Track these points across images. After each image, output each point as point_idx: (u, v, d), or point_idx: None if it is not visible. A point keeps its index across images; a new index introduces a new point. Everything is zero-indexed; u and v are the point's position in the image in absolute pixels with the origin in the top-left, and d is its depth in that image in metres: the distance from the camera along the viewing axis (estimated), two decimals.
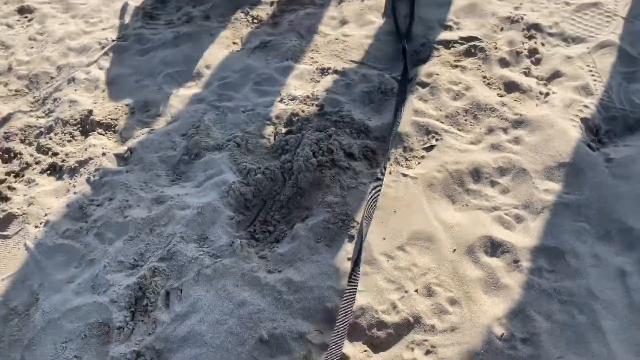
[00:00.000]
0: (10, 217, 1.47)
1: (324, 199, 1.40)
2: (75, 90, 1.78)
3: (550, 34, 1.68)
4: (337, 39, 1.82)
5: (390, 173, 1.44)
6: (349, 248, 1.29)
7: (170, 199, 1.44)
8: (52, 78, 1.85)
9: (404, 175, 1.42)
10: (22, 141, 1.68)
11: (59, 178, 1.56)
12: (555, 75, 1.58)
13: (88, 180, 1.53)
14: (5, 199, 1.52)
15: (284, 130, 1.59)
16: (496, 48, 1.67)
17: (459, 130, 1.51)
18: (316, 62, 1.77)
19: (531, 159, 1.38)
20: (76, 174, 1.55)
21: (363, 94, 1.65)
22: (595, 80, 1.53)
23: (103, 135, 1.65)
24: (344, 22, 1.88)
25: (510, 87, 1.57)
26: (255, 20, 1.93)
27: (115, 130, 1.66)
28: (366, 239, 1.29)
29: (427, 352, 1.09)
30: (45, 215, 1.47)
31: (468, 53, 1.69)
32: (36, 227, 1.44)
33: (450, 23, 1.79)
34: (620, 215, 1.23)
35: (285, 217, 1.43)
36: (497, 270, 1.20)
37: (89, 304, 1.25)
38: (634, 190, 1.27)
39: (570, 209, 1.27)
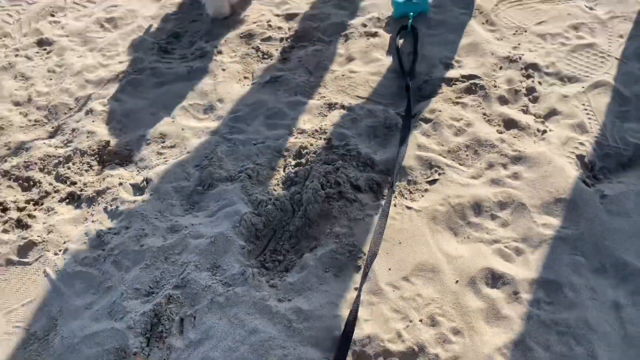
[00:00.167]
0: (30, 245, 1.53)
1: (331, 229, 1.47)
2: (93, 121, 1.86)
3: (547, 74, 1.77)
4: (344, 75, 1.91)
5: (395, 205, 1.50)
6: (356, 278, 1.35)
7: (185, 228, 1.50)
8: (70, 109, 1.93)
9: (409, 207, 1.49)
10: (41, 170, 1.75)
11: (78, 207, 1.63)
12: (552, 113, 1.66)
13: (105, 209, 1.60)
14: (26, 226, 1.58)
15: (293, 162, 1.66)
16: (496, 86, 1.76)
17: (461, 165, 1.58)
18: (324, 97, 1.85)
19: (530, 194, 1.45)
20: (94, 203, 1.62)
21: (369, 129, 1.73)
22: (590, 118, 1.61)
23: (120, 165, 1.72)
24: (350, 59, 1.97)
25: (509, 124, 1.65)
26: (265, 56, 2.02)
27: (132, 160, 1.73)
28: (372, 268, 1.35)
29: None
30: (64, 242, 1.53)
31: (469, 90, 1.77)
32: (55, 254, 1.50)
33: (451, 61, 1.87)
34: (614, 250, 1.30)
35: (295, 247, 1.49)
36: (498, 301, 1.25)
37: (107, 329, 1.30)
38: (627, 226, 1.34)
39: (567, 242, 1.33)
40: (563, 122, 1.62)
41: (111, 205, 1.60)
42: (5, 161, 1.78)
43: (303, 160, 1.65)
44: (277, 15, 2.17)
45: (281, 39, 2.08)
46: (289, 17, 2.16)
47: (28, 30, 2.28)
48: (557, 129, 1.60)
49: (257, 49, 2.04)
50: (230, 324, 1.27)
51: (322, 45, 2.04)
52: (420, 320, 1.25)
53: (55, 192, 1.68)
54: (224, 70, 1.98)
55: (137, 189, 1.65)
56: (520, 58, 1.82)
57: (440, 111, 1.72)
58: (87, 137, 1.81)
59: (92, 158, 1.75)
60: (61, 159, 1.76)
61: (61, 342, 1.29)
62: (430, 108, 1.74)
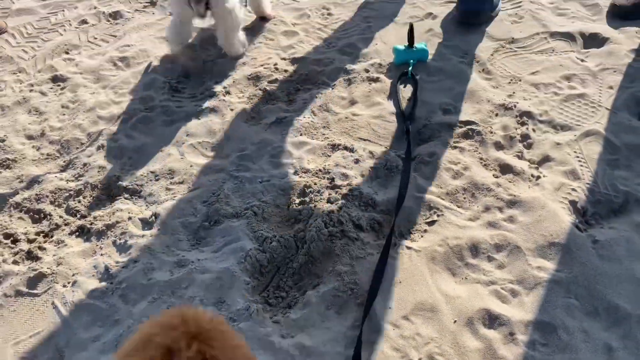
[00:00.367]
0: (40, 276, 1.57)
1: (334, 267, 1.52)
2: (104, 156, 1.93)
3: (541, 121, 1.86)
4: (347, 118, 1.99)
5: (395, 245, 1.56)
6: (357, 316, 1.39)
7: (191, 263, 1.55)
8: (82, 144, 2.00)
9: (408, 247, 1.55)
10: (52, 203, 1.80)
11: (87, 240, 1.67)
12: (546, 159, 1.73)
13: (114, 242, 1.64)
14: (36, 258, 1.62)
15: (297, 201, 1.72)
16: (492, 132, 1.84)
17: (459, 207, 1.64)
18: (327, 138, 1.93)
19: (525, 237, 1.51)
20: (103, 237, 1.67)
21: (370, 170, 1.80)
22: (582, 166, 1.69)
23: (129, 200, 1.78)
24: (353, 102, 2.06)
25: (505, 169, 1.73)
26: (272, 97, 2.11)
27: (141, 195, 1.79)
28: (373, 307, 1.40)
29: None
30: (73, 275, 1.57)
31: (466, 135, 1.85)
32: (64, 286, 1.54)
33: (450, 107, 1.96)
34: (606, 294, 1.35)
35: (297, 284, 1.53)
36: (495, 342, 1.30)
37: None
38: (618, 271, 1.40)
39: (561, 286, 1.39)
40: (556, 169, 1.69)
41: (120, 239, 1.65)
42: (17, 193, 1.83)
43: (307, 199, 1.71)
44: (284, 59, 2.27)
45: (287, 82, 2.17)
46: (295, 60, 2.26)
47: (43, 67, 2.37)
48: (551, 175, 1.68)
49: (264, 91, 2.13)
50: None
51: (325, 88, 2.12)
52: (420, 359, 1.28)
53: (66, 224, 1.72)
54: (231, 109, 2.06)
55: (146, 223, 1.70)
56: (515, 106, 1.91)
57: (438, 155, 1.79)
58: (98, 171, 1.87)
59: (103, 192, 1.81)
60: (72, 192, 1.82)
61: None
62: (429, 151, 1.81)
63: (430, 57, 2.18)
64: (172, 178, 1.84)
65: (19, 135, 2.05)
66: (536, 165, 1.72)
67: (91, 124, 2.07)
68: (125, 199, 1.78)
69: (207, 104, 2.09)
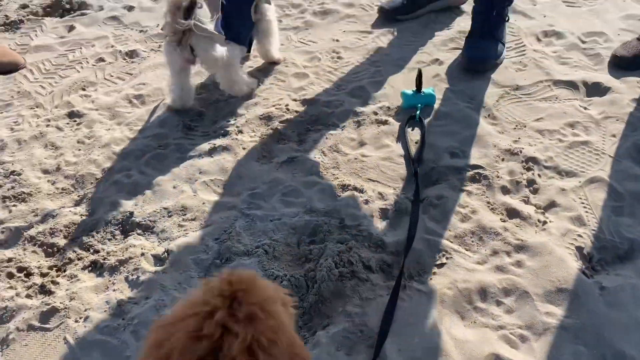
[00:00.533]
0: (53, 311, 1.58)
1: (344, 308, 1.54)
2: (118, 192, 1.97)
3: (546, 167, 1.91)
4: (356, 159, 2.04)
5: (405, 287, 1.58)
6: (367, 358, 1.40)
7: None
8: (96, 179, 2.04)
9: (418, 290, 1.57)
10: (65, 237, 1.83)
11: (100, 275, 1.70)
12: (552, 205, 1.77)
13: (127, 278, 1.66)
14: (49, 292, 1.64)
15: (307, 240, 1.75)
16: (498, 177, 1.89)
17: (467, 250, 1.67)
18: (337, 178, 1.97)
19: (532, 282, 1.54)
20: (116, 272, 1.69)
21: (380, 211, 1.83)
22: (587, 212, 1.73)
23: (142, 236, 1.81)
24: (362, 144, 2.11)
25: (512, 213, 1.76)
26: (283, 137, 2.16)
27: (154, 231, 1.82)
28: (383, 349, 1.41)
29: None
30: (85, 310, 1.58)
31: (473, 179, 1.90)
32: (76, 321, 1.56)
33: (457, 151, 2.02)
34: (613, 341, 1.37)
35: (307, 324, 1.55)
36: None
37: None
38: (625, 318, 1.42)
39: (569, 332, 1.41)
40: (562, 214, 1.73)
41: (132, 275, 1.67)
42: (32, 227, 1.86)
43: (317, 239, 1.74)
44: (295, 100, 2.34)
45: (298, 122, 2.23)
46: (306, 102, 2.32)
47: (60, 102, 2.44)
48: (557, 220, 1.72)
49: (276, 130, 2.18)
50: None
51: (335, 130, 2.18)
52: None
53: (79, 259, 1.75)
54: (244, 148, 2.11)
55: (158, 259, 1.73)
56: (520, 151, 1.96)
57: (446, 198, 1.83)
58: (112, 207, 1.91)
59: (116, 228, 1.84)
60: (86, 227, 1.85)
61: None
62: (437, 194, 1.85)
63: (437, 101, 2.25)
64: (185, 215, 1.87)
65: (35, 169, 2.09)
66: (542, 211, 1.76)
67: (106, 159, 2.11)
68: (138, 234, 1.81)
69: (220, 142, 2.14)
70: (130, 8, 3.11)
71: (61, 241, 1.81)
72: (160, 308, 1.56)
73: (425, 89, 2.25)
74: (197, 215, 1.87)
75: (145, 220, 1.85)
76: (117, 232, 1.83)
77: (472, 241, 1.69)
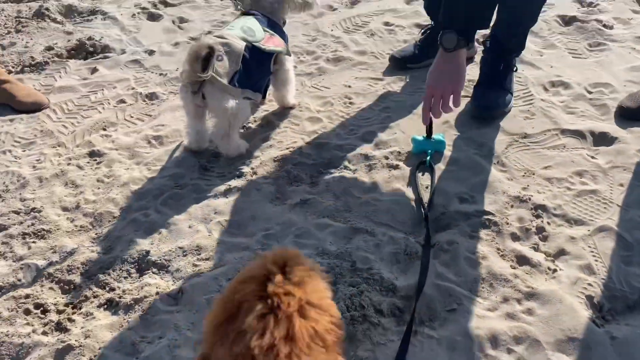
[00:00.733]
0: (68, 348, 1.60)
1: (355, 352, 1.55)
2: (135, 230, 2.01)
3: (555, 215, 1.94)
4: (367, 202, 2.08)
5: (415, 333, 1.59)
6: None
7: None
8: (114, 217, 2.09)
9: (429, 336, 1.58)
10: (82, 275, 1.87)
11: (115, 313, 1.72)
12: (561, 253, 1.80)
13: (141, 317, 1.69)
14: (65, 329, 1.67)
15: None
16: (508, 223, 1.92)
17: (477, 297, 1.69)
18: (349, 221, 2.01)
19: (543, 330, 1.55)
20: (131, 311, 1.72)
21: (391, 255, 1.86)
22: (597, 261, 1.75)
23: (157, 274, 1.84)
24: (373, 188, 2.16)
25: (522, 260, 1.79)
26: (296, 179, 2.22)
27: (168, 270, 1.86)
28: None
29: None
30: (100, 348, 1.61)
31: (483, 225, 1.93)
32: (90, 359, 1.57)
33: (466, 197, 2.06)
34: None
35: None
36: None
37: None
38: None
39: None
40: (572, 262, 1.75)
41: (147, 314, 1.70)
42: (50, 264, 1.90)
43: (329, 281, 1.76)
44: (308, 143, 2.41)
45: (311, 165, 2.29)
46: (319, 145, 2.39)
47: (81, 142, 2.52)
48: (567, 268, 1.74)
49: (289, 173, 2.24)
50: None
51: (348, 173, 2.24)
52: None
53: (95, 297, 1.78)
54: (258, 190, 2.17)
55: (172, 299, 1.75)
56: (529, 199, 2.00)
57: (457, 243, 1.86)
58: (129, 245, 1.95)
59: (132, 266, 1.88)
60: (102, 265, 1.89)
61: None
62: (448, 239, 1.88)
63: (447, 147, 2.31)
64: (199, 254, 1.91)
65: (55, 206, 2.15)
66: (552, 258, 1.78)
67: (124, 198, 2.17)
68: (154, 273, 1.85)
69: (235, 183, 2.20)
70: (151, 52, 3.24)
71: (78, 278, 1.85)
72: (174, 348, 1.58)
73: (435, 135, 2.31)
74: (211, 255, 1.90)
75: (160, 259, 1.89)
76: (133, 270, 1.87)
77: (483, 288, 1.71)
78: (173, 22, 3.59)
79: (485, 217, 1.96)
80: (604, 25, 3.11)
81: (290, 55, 2.48)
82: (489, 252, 1.83)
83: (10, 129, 2.64)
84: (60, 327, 1.68)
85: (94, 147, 2.47)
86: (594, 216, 1.92)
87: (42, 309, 1.75)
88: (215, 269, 1.85)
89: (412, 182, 2.16)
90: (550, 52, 2.94)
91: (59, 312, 1.74)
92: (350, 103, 2.69)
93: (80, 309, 1.75)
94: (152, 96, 2.82)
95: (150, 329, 1.66)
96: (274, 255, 0.96)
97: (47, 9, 3.67)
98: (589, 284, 1.68)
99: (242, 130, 2.45)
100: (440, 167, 2.22)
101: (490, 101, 2.44)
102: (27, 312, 1.75)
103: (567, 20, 3.22)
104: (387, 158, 2.30)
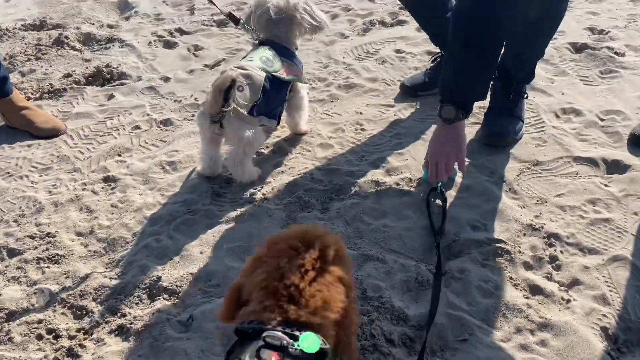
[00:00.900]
0: None
1: None
2: (147, 256, 2.03)
3: (568, 244, 1.92)
4: (378, 229, 2.08)
5: None
6: None
7: None
8: (127, 243, 2.11)
9: None
10: (94, 300, 1.88)
11: (125, 339, 1.73)
12: (575, 282, 1.78)
13: (151, 344, 1.69)
14: (76, 355, 1.68)
15: None
16: (520, 252, 1.91)
17: (489, 327, 1.67)
18: (360, 248, 2.01)
19: None
20: (141, 337, 1.72)
21: (402, 282, 1.85)
22: (611, 291, 1.72)
23: (168, 301, 1.85)
24: (384, 214, 2.16)
25: (535, 290, 1.77)
26: (307, 205, 2.23)
27: (179, 296, 1.86)
28: None
29: None
30: None
31: (495, 253, 1.92)
32: None
33: (478, 224, 2.05)
34: None
35: None
36: None
37: None
38: None
39: None
40: (586, 293, 1.73)
41: (157, 341, 1.70)
42: (63, 289, 1.92)
43: None
44: (319, 170, 2.42)
45: (322, 191, 2.30)
46: (330, 172, 2.40)
47: (96, 167, 2.56)
48: (581, 298, 1.71)
49: (300, 199, 2.25)
50: None
51: (358, 199, 2.24)
52: None
53: (106, 323, 1.79)
54: (269, 216, 2.18)
55: (183, 325, 1.76)
56: (542, 227, 1.99)
57: (469, 271, 1.85)
58: (141, 270, 1.96)
59: (143, 292, 1.89)
60: (114, 290, 1.90)
61: None
62: (459, 267, 1.87)
63: (458, 174, 2.31)
64: (210, 281, 1.91)
65: (69, 231, 2.18)
66: (566, 288, 1.76)
67: (137, 223, 2.20)
68: (165, 299, 1.85)
69: (247, 209, 2.21)
70: (166, 79, 3.31)
71: (90, 304, 1.86)
72: None
73: None
74: (222, 281, 1.91)
75: (172, 285, 1.90)
76: (144, 296, 1.88)
77: (495, 317, 1.69)
78: (188, 49, 3.67)
79: (497, 245, 1.95)
80: (616, 53, 3.12)
81: (306, 83, 2.52)
82: (501, 281, 1.81)
83: (28, 155, 2.70)
84: (71, 353, 1.69)
85: (108, 173, 2.51)
86: (608, 245, 1.90)
87: (54, 334, 1.77)
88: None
89: (424, 209, 2.16)
90: (561, 79, 2.95)
91: (71, 337, 1.75)
92: (362, 129, 2.71)
93: (91, 334, 1.76)
94: (166, 122, 2.87)
95: (160, 356, 1.66)
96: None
97: (66, 37, 3.78)
98: (604, 315, 1.65)
99: (254, 156, 2.47)
100: (451, 194, 2.22)
101: (501, 128, 2.45)
102: (40, 337, 1.76)
103: (578, 48, 3.23)
104: (398, 184, 2.30)
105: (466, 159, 2.40)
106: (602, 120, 2.57)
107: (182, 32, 3.93)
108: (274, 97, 2.30)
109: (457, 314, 1.70)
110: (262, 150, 2.57)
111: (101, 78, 3.36)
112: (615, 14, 3.65)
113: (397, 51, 3.40)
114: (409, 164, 2.43)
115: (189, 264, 1.99)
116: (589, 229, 1.98)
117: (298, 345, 1.00)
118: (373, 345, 1.62)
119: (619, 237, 1.93)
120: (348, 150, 2.56)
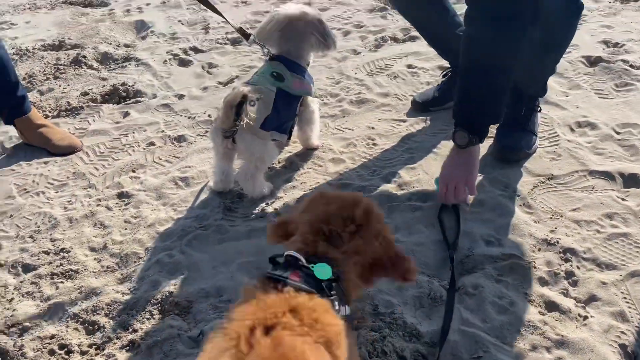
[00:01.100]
0: None
1: None
2: (159, 271, 2.04)
3: (585, 259, 1.88)
4: None
5: None
6: None
7: None
8: (139, 258, 2.13)
9: None
10: (106, 315, 1.88)
11: (136, 355, 1.73)
12: (592, 299, 1.73)
13: (162, 359, 1.69)
14: None
15: None
16: (535, 267, 1.87)
17: (504, 344, 1.63)
18: None
19: None
20: (152, 352, 1.72)
21: (414, 298, 1.83)
22: (630, 307, 1.68)
23: (179, 316, 1.85)
24: (396, 229, 2.14)
25: (551, 306, 1.73)
26: None
27: (190, 312, 1.86)
28: None
29: None
30: None
31: (510, 269, 1.88)
32: None
33: (492, 239, 2.02)
34: None
35: None
36: None
37: None
38: None
39: None
40: (603, 309, 1.69)
41: (167, 356, 1.69)
42: (76, 304, 1.93)
43: (351, 326, 1.74)
44: (331, 185, 2.42)
45: None
46: (342, 186, 2.40)
47: (111, 183, 2.60)
48: (598, 315, 1.67)
49: None
50: None
51: None
52: None
53: (118, 338, 1.79)
54: None
55: (193, 341, 1.75)
56: (557, 242, 1.95)
57: (482, 287, 1.82)
58: (153, 286, 1.97)
59: (155, 307, 1.89)
60: (126, 306, 1.91)
61: None
62: (473, 283, 1.84)
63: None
64: (221, 296, 1.91)
65: (83, 247, 2.20)
66: (583, 304, 1.72)
67: (150, 239, 2.21)
68: (176, 314, 1.85)
69: (258, 224, 2.21)
70: (180, 96, 3.35)
71: (102, 319, 1.87)
72: None
73: None
74: (233, 297, 1.90)
75: (183, 301, 1.90)
76: (156, 311, 1.88)
77: (510, 334, 1.66)
78: (202, 67, 3.72)
79: (512, 260, 1.91)
80: (631, 66, 3.09)
81: (316, 97, 2.53)
82: (516, 297, 1.77)
83: (44, 171, 2.74)
84: None
85: (122, 189, 2.53)
86: (626, 260, 1.86)
87: (66, 349, 1.77)
88: None
89: (436, 224, 2.14)
90: (575, 92, 2.93)
91: (83, 353, 1.75)
92: (374, 144, 2.71)
93: (103, 350, 1.76)
94: (180, 139, 2.90)
95: None
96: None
97: (84, 56, 3.87)
98: (622, 332, 1.60)
99: (266, 171, 2.48)
100: (464, 209, 2.20)
101: (514, 142, 2.42)
102: (52, 352, 1.77)
103: (593, 61, 3.21)
104: (410, 199, 2.29)
105: (479, 175, 2.39)
106: (617, 133, 2.54)
107: (196, 50, 4.00)
108: (285, 112, 2.32)
109: (471, 331, 1.67)
110: (273, 165, 2.58)
111: (117, 96, 3.42)
112: (630, 27, 3.62)
113: (409, 66, 3.40)
114: (420, 178, 2.41)
115: (200, 279, 1.99)
116: (606, 244, 1.94)
117: (312, 268, 1.13)
118: None
119: (637, 252, 1.89)
120: (360, 165, 2.56)
